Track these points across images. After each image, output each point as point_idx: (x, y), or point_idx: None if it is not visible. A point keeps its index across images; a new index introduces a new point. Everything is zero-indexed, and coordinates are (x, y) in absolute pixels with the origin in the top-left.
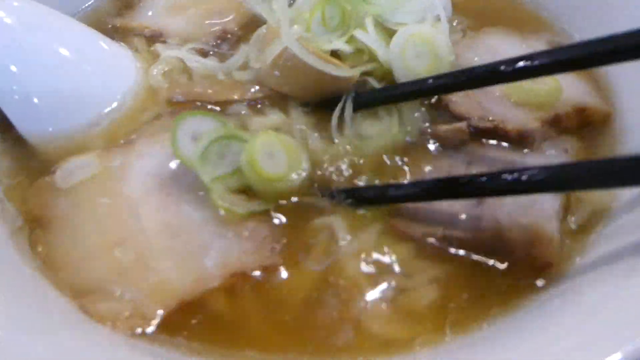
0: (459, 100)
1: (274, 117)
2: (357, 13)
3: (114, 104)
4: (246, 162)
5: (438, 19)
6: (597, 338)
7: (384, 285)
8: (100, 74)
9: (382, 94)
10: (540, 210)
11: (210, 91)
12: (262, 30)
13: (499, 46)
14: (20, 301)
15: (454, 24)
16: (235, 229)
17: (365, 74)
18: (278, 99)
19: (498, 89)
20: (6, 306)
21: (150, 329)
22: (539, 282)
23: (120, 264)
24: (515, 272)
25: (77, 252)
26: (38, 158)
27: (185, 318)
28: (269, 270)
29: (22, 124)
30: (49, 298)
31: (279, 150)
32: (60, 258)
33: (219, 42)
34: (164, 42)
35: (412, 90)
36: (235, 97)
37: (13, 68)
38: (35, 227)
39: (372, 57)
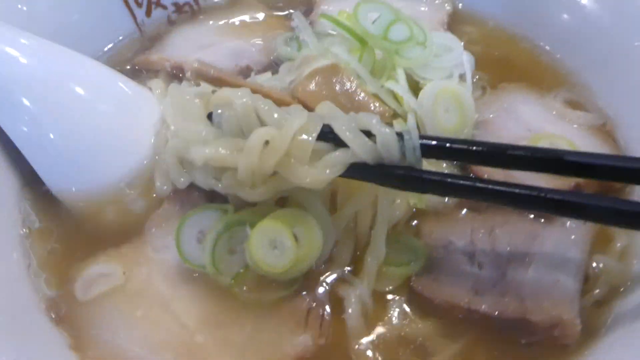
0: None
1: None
2: (389, 64)
3: (143, 154)
4: (250, 261)
5: (463, 77)
6: None
7: None
8: (126, 125)
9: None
10: (562, 291)
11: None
12: (289, 64)
13: (518, 104)
14: None
15: (475, 79)
16: (274, 309)
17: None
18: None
19: None
20: None
21: None
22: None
23: None
24: (536, 350)
25: None
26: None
27: None
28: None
29: (51, 181)
30: None
31: (283, 236)
32: None
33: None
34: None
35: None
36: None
37: (31, 110)
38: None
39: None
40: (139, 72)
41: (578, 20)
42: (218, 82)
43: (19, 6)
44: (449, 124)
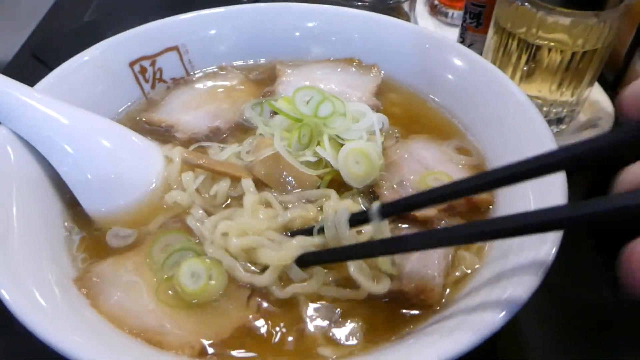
0: (388, 194)
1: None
2: (320, 134)
3: (150, 187)
4: (175, 278)
5: (374, 133)
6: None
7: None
8: (137, 164)
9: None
10: (429, 271)
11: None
12: (251, 139)
13: (420, 150)
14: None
15: (390, 131)
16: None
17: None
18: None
19: (417, 183)
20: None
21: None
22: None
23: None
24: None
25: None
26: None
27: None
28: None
29: (83, 201)
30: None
31: (202, 272)
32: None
33: (211, 136)
34: (173, 135)
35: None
36: (239, 174)
37: (72, 154)
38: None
39: (328, 166)
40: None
41: (458, 79)
42: (199, 167)
43: (62, 84)
44: (359, 171)
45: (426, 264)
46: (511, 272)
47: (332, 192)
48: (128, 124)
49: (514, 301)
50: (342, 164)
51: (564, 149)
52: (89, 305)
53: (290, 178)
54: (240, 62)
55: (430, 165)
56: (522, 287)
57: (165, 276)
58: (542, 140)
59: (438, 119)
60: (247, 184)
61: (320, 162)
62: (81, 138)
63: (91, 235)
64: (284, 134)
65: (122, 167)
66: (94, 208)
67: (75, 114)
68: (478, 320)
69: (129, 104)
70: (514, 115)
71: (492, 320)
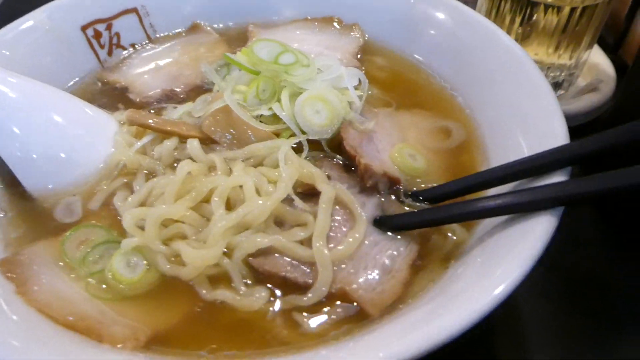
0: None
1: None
2: (278, 89)
3: (101, 164)
4: (109, 271)
5: (347, 88)
6: None
7: None
8: (89, 137)
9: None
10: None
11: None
12: (207, 95)
13: (401, 122)
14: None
15: (371, 93)
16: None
17: (277, 134)
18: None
19: (389, 152)
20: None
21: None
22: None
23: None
24: None
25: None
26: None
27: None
28: None
29: (27, 181)
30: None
31: (139, 260)
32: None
33: (169, 98)
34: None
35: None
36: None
37: (17, 133)
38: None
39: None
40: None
41: (445, 36)
42: (146, 127)
43: (3, 51)
44: (319, 121)
45: (362, 269)
46: (506, 244)
47: (283, 143)
48: (82, 94)
49: (512, 274)
50: (300, 113)
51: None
52: (14, 292)
53: (240, 134)
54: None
55: (408, 140)
56: (520, 260)
57: (91, 272)
58: (541, 98)
59: (425, 84)
60: (192, 145)
61: (277, 117)
62: (30, 115)
63: (29, 217)
64: (241, 88)
65: (74, 144)
66: (39, 187)
67: (24, 86)
68: (472, 298)
69: (83, 74)
70: (508, 71)
71: (487, 298)
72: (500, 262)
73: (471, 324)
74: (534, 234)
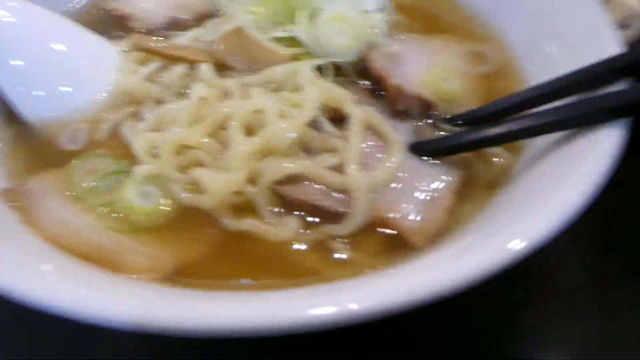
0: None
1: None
2: (296, 7)
3: (105, 93)
4: (119, 200)
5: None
6: None
7: None
8: (92, 64)
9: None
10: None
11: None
12: (217, 20)
13: (429, 48)
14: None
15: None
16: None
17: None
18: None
19: (421, 76)
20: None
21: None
22: None
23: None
24: None
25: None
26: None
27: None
28: None
29: (26, 110)
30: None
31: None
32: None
33: (174, 26)
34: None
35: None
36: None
37: (16, 61)
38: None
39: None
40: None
41: None
42: (152, 52)
43: None
44: (341, 42)
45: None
46: (562, 166)
47: (305, 65)
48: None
49: (571, 201)
50: (322, 34)
51: None
52: (19, 222)
53: (256, 58)
54: None
55: (440, 64)
56: (581, 184)
57: (102, 202)
58: (584, 9)
59: (454, 7)
60: (204, 69)
61: (295, 40)
62: (28, 41)
63: (32, 147)
64: (253, 9)
65: (76, 71)
66: (40, 117)
67: (22, 10)
68: (523, 228)
69: (81, 1)
70: None
71: (542, 227)
72: (556, 187)
73: (523, 256)
74: (596, 152)
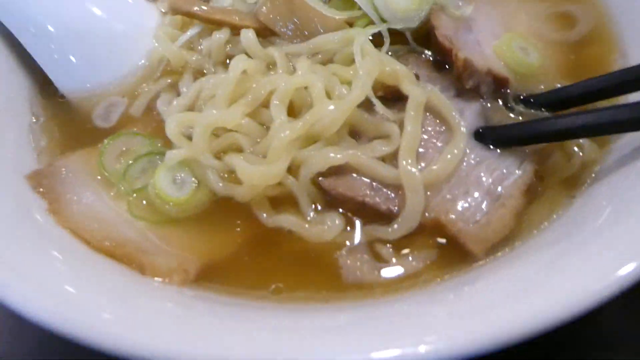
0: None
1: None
2: None
3: (142, 61)
4: (151, 187)
5: None
6: None
7: None
8: (129, 30)
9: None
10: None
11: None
12: None
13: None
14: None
15: None
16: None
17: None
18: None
19: (494, 44)
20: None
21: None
22: None
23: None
24: None
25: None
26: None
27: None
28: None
29: (59, 81)
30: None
31: (186, 174)
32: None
33: None
34: None
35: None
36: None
37: (50, 29)
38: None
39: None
40: None
41: None
42: (192, 16)
43: None
44: (403, 4)
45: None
46: None
47: (359, 33)
48: None
49: None
50: None
51: None
52: (45, 210)
53: (305, 23)
54: None
55: (517, 29)
56: None
57: (132, 189)
58: None
59: None
60: (247, 36)
61: (350, 1)
62: (62, 6)
63: (65, 122)
64: None
65: (112, 38)
66: (74, 88)
67: None
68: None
69: None
70: None
71: None
72: None
73: (618, 289)
74: None
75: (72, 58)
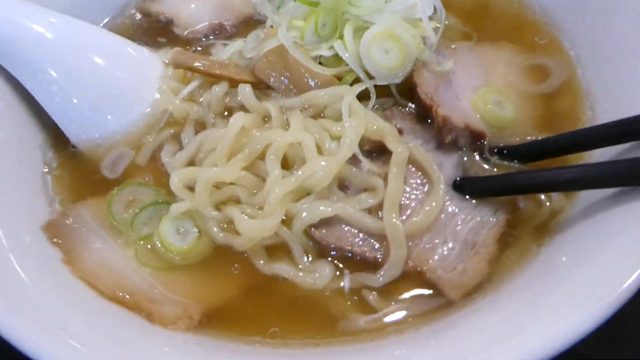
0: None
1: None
2: (340, 23)
3: (147, 108)
4: (157, 236)
5: (420, 21)
6: None
7: None
8: (134, 81)
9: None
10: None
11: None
12: (259, 31)
13: (485, 59)
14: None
15: (449, 24)
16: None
17: (339, 77)
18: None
19: (471, 98)
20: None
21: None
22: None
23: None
24: None
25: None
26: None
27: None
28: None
29: (70, 131)
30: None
31: (189, 225)
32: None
33: (217, 32)
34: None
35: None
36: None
37: (57, 78)
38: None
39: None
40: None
41: None
42: (191, 70)
43: None
44: (388, 63)
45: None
46: (623, 221)
47: (347, 91)
48: (122, 27)
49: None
50: (366, 53)
51: None
52: (61, 261)
53: (297, 78)
54: None
55: (494, 81)
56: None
57: (140, 236)
58: None
59: (515, 10)
60: (244, 91)
61: (339, 57)
62: (69, 58)
63: (75, 171)
64: (297, 23)
65: (117, 88)
66: (83, 137)
67: (62, 26)
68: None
69: (124, 4)
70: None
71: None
72: (616, 247)
73: (582, 334)
74: None
75: (77, 107)
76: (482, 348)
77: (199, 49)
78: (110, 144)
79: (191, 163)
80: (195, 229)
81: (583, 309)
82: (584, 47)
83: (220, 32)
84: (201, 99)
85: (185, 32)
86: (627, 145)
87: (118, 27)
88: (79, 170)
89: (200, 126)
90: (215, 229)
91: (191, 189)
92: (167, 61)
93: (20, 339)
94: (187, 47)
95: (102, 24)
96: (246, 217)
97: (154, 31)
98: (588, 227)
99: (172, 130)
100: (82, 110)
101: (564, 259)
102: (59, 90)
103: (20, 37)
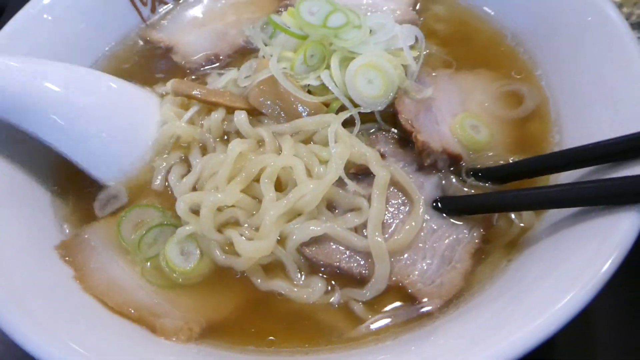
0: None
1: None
2: (328, 53)
3: (152, 140)
4: (162, 257)
5: (401, 50)
6: None
7: None
8: (140, 118)
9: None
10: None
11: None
12: (252, 61)
13: (463, 86)
14: (87, 325)
15: (429, 51)
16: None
17: (327, 104)
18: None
19: (450, 123)
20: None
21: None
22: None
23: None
24: None
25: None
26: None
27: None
28: None
29: (98, 173)
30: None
31: (192, 247)
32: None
33: (213, 62)
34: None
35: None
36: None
37: (60, 122)
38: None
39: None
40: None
41: None
42: (189, 97)
43: (45, 16)
44: (371, 92)
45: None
46: (583, 239)
47: (333, 119)
48: (124, 54)
49: (593, 278)
50: (351, 83)
51: None
52: (72, 278)
53: (288, 106)
54: None
55: (471, 106)
56: (601, 261)
57: (146, 257)
58: (633, 67)
59: (492, 40)
60: (240, 118)
61: (326, 87)
62: (73, 106)
63: (82, 198)
64: (287, 54)
65: (126, 125)
66: (111, 175)
67: (69, 77)
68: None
69: (125, 31)
70: (594, 32)
71: (565, 301)
72: (577, 260)
73: (548, 334)
74: (617, 231)
75: (94, 149)
76: (460, 350)
77: (194, 77)
78: (130, 174)
79: (195, 186)
80: (198, 251)
81: (547, 314)
82: (554, 77)
83: (216, 62)
84: (202, 122)
85: (183, 62)
86: (590, 169)
87: (120, 52)
88: (88, 194)
89: (203, 149)
90: (217, 251)
91: (195, 212)
92: (164, 93)
93: (33, 346)
94: (186, 77)
95: (106, 50)
96: (244, 239)
97: (154, 58)
98: (552, 243)
99: (181, 155)
100: (99, 151)
101: (530, 271)
102: (67, 135)
103: (30, 95)
